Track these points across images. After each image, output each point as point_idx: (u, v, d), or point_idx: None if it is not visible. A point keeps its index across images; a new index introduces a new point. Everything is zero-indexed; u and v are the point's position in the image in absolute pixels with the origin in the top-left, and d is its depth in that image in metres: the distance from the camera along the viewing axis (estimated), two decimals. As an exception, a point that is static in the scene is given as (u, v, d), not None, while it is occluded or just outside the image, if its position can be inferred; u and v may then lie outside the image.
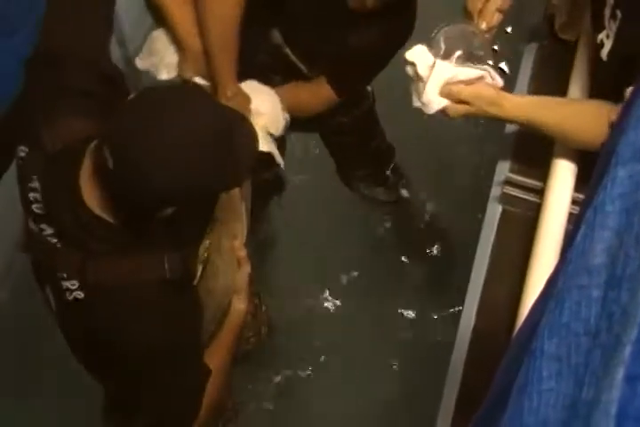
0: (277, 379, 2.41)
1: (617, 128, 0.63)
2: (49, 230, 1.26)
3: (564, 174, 1.46)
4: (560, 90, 1.56)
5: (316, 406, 2.37)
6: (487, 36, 1.43)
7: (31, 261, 1.35)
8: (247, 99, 1.70)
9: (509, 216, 1.55)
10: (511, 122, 1.47)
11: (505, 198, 1.55)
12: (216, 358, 1.42)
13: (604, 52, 1.38)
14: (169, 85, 1.54)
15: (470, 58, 1.40)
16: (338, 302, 2.59)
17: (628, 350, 0.46)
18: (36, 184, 1.26)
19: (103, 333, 1.28)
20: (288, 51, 1.77)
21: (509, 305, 1.40)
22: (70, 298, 1.25)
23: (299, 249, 2.64)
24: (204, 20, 1.59)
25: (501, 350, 1.32)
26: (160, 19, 1.64)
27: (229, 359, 1.47)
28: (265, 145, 1.65)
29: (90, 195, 1.22)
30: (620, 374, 0.45)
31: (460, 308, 1.49)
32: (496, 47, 1.59)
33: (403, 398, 2.31)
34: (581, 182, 1.45)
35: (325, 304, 2.58)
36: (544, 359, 0.52)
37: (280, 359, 2.42)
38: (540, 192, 1.50)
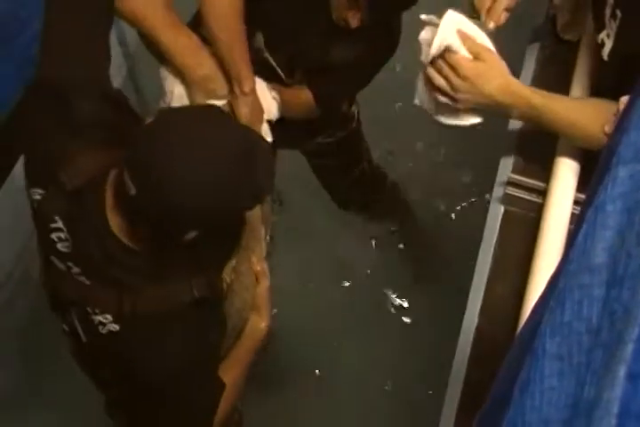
0: (279, 388, 2.41)
1: (618, 128, 0.63)
2: (76, 269, 1.27)
3: (566, 175, 1.46)
4: (562, 90, 1.56)
5: (316, 406, 2.37)
6: (493, 33, 1.42)
7: (48, 293, 1.36)
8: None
9: (512, 217, 1.55)
10: (510, 106, 1.39)
11: (507, 199, 1.56)
12: (231, 373, 1.42)
13: (605, 52, 1.38)
14: (186, 106, 1.52)
15: None
16: (338, 304, 2.59)
17: (629, 349, 0.46)
18: (59, 224, 1.25)
19: (135, 360, 1.30)
20: (268, 55, 1.76)
21: (512, 305, 1.40)
22: (104, 331, 1.27)
23: (299, 254, 2.64)
24: (207, 19, 1.59)
25: (504, 349, 1.32)
26: (158, 53, 1.63)
27: (244, 375, 1.48)
28: (267, 136, 1.65)
29: (115, 224, 1.22)
30: (621, 372, 0.45)
31: (463, 308, 1.49)
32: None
33: (405, 397, 2.31)
34: (583, 183, 1.45)
35: (326, 306, 2.58)
36: (546, 358, 0.52)
37: (279, 367, 2.43)
38: (543, 193, 1.50)
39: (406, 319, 2.52)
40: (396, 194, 2.59)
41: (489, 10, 1.42)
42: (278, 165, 2.03)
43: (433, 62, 1.39)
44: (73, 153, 1.27)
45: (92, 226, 1.24)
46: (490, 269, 1.50)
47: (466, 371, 1.39)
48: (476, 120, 1.46)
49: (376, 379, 2.40)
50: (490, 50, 1.38)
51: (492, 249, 1.52)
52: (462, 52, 1.37)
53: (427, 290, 2.57)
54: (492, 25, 1.41)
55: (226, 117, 1.24)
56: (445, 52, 1.38)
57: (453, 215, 2.72)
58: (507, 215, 1.55)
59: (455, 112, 1.45)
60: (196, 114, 1.23)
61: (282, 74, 1.79)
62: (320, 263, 2.64)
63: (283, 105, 1.75)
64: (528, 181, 1.55)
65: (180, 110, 1.34)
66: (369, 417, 2.32)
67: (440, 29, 1.34)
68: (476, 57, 1.37)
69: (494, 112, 1.43)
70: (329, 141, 2.10)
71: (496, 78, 1.37)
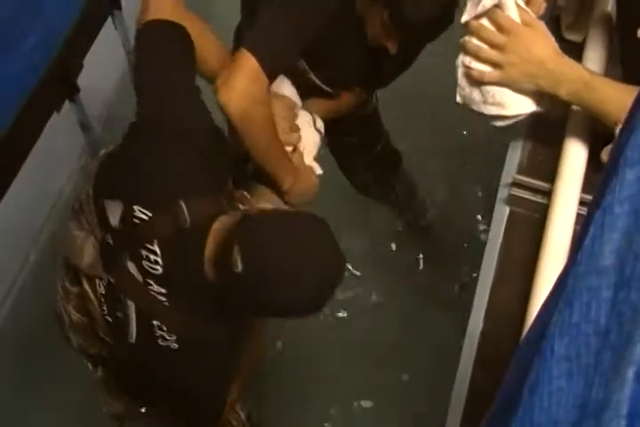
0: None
1: (624, 129, 0.63)
2: (160, 289, 1.36)
3: (571, 176, 1.45)
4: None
5: (319, 407, 2.37)
6: None
7: (106, 284, 1.41)
8: (302, 177, 1.73)
9: (516, 218, 1.55)
10: (561, 76, 1.30)
11: (512, 200, 1.55)
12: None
13: None
14: (308, 215, 1.54)
15: None
16: (343, 313, 2.58)
17: (638, 350, 0.46)
18: (155, 248, 1.35)
19: (181, 374, 1.43)
20: (312, 76, 1.79)
21: (517, 308, 1.40)
22: (162, 344, 1.37)
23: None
24: (243, 134, 1.59)
25: (510, 353, 1.32)
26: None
27: (242, 387, 1.68)
28: (318, 169, 1.75)
29: (210, 273, 1.34)
30: (630, 373, 0.45)
31: (468, 312, 1.49)
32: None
33: (411, 402, 2.31)
34: (589, 183, 1.45)
35: (330, 314, 2.58)
36: (554, 359, 0.52)
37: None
38: (548, 194, 1.50)
39: (412, 323, 2.52)
40: (409, 182, 2.60)
41: (529, 0, 1.38)
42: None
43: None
44: (198, 191, 1.39)
45: (187, 265, 1.36)
46: (495, 271, 1.50)
47: (471, 375, 1.39)
48: (522, 109, 1.37)
49: (382, 384, 2.39)
50: (541, 21, 1.32)
51: (497, 251, 1.52)
52: (512, 13, 1.29)
53: (432, 293, 2.56)
54: (532, 15, 1.36)
55: (329, 231, 1.35)
56: (491, 11, 1.30)
57: (458, 217, 2.71)
58: (512, 216, 1.55)
59: (500, 101, 1.37)
60: (313, 223, 1.36)
61: (329, 90, 1.84)
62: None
63: (334, 112, 1.85)
64: (533, 181, 1.55)
65: (299, 215, 1.45)
66: (377, 422, 2.31)
67: None
68: (527, 24, 1.30)
69: (536, 95, 1.36)
70: (350, 121, 2.13)
71: (546, 45, 1.30)
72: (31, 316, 2.29)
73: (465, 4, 1.34)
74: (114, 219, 1.39)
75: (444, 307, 2.47)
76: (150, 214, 1.36)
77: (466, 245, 2.56)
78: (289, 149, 1.69)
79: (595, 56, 1.55)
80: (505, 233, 1.53)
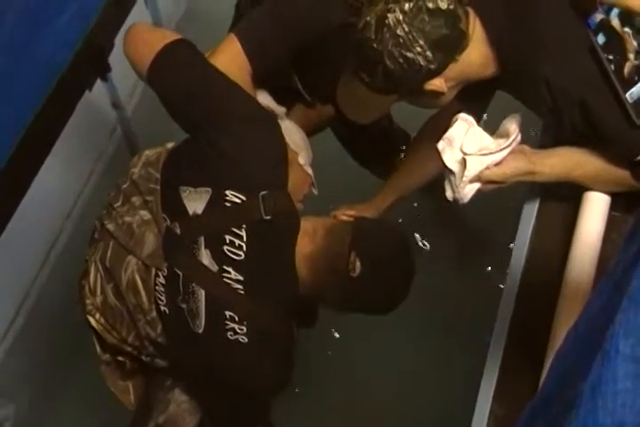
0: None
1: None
2: (238, 276, 1.36)
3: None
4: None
5: (343, 369, 2.34)
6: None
7: (166, 274, 1.40)
8: None
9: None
10: (524, 180, 1.46)
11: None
12: None
13: None
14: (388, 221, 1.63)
15: None
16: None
17: None
18: (242, 232, 1.36)
19: (243, 368, 1.41)
20: (295, 78, 1.78)
21: (558, 251, 1.46)
22: (232, 338, 1.36)
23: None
24: None
25: (550, 291, 1.35)
26: None
27: None
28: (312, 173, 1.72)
29: (302, 273, 1.40)
30: None
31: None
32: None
33: (451, 348, 2.28)
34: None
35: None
36: (619, 359, 0.51)
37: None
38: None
39: (450, 272, 2.48)
40: None
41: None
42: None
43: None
44: (277, 180, 1.42)
45: (273, 255, 1.39)
46: (530, 235, 1.52)
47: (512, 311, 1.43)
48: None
49: (419, 333, 2.36)
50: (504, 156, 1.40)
51: (535, 210, 1.54)
52: (457, 145, 1.40)
53: (470, 245, 2.54)
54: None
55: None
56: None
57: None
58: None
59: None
60: (396, 227, 1.56)
61: (308, 97, 1.82)
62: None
63: (313, 126, 1.86)
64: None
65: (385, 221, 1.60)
66: (410, 372, 2.30)
67: (452, 127, 1.41)
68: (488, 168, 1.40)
69: None
70: None
71: (501, 175, 1.41)
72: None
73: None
74: (193, 206, 1.38)
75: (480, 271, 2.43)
76: (244, 198, 1.37)
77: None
78: None
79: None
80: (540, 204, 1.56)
